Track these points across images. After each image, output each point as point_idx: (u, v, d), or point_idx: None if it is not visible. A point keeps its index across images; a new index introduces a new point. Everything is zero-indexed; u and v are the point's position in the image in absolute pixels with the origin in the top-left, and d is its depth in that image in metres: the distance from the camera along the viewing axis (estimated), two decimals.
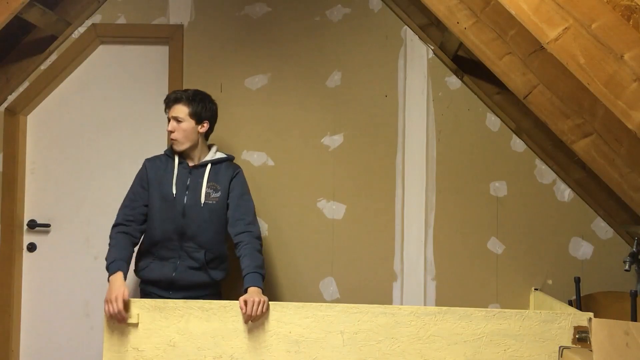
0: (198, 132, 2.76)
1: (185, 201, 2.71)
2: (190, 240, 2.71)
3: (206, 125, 2.78)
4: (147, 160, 2.83)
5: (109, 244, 2.66)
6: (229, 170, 2.80)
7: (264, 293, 2.45)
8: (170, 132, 2.73)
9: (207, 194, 2.72)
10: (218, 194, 2.74)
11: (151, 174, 2.77)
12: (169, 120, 2.76)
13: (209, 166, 2.77)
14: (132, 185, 2.80)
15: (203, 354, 2.34)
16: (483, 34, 2.54)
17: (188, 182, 2.74)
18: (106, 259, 2.58)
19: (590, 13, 1.73)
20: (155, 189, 2.74)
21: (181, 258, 2.71)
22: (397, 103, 3.24)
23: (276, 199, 3.25)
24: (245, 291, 2.44)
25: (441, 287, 3.20)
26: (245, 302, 2.33)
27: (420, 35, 3.23)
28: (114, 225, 2.71)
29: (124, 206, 2.76)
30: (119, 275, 2.47)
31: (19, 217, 3.36)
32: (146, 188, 2.75)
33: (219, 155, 2.84)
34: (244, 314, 2.33)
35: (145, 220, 2.75)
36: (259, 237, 2.69)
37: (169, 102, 2.76)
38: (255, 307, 2.32)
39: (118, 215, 2.74)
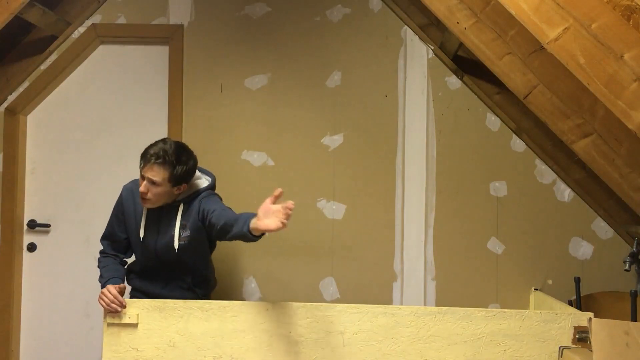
0: (174, 194, 2.51)
1: (156, 245, 2.57)
2: (174, 269, 2.65)
3: (183, 188, 2.52)
4: (124, 187, 2.67)
5: (99, 267, 2.61)
6: (196, 202, 2.55)
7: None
8: (142, 192, 2.44)
9: (179, 235, 2.53)
10: (188, 233, 2.54)
11: (126, 207, 2.62)
12: (142, 177, 2.45)
13: (181, 206, 2.55)
14: (112, 212, 2.68)
15: (203, 354, 2.34)
16: (483, 34, 2.54)
17: (159, 225, 2.57)
18: (100, 281, 2.55)
19: (590, 13, 1.73)
20: (131, 224, 2.61)
21: (169, 280, 2.67)
22: (397, 103, 3.24)
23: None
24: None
25: (441, 287, 3.20)
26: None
27: (420, 35, 3.23)
28: (101, 252, 2.68)
29: (105, 236, 2.68)
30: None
31: (19, 217, 3.36)
32: (122, 220, 2.64)
33: (195, 188, 2.58)
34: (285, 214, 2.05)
35: (129, 247, 2.68)
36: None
37: (148, 160, 2.43)
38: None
39: (102, 243, 2.68)
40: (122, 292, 2.37)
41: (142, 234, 2.57)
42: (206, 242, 2.66)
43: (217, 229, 2.40)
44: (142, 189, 2.44)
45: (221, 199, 2.62)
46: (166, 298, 2.59)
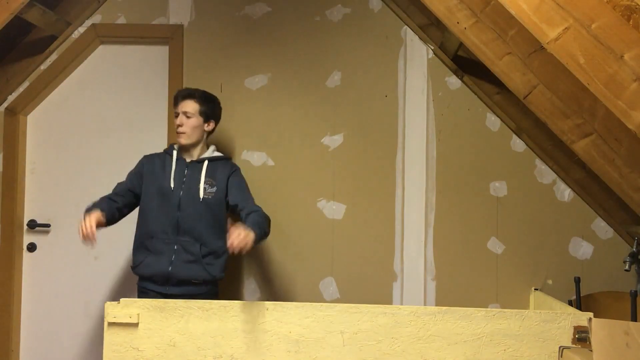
0: (204, 130, 2.87)
1: (181, 194, 2.77)
2: (185, 233, 2.74)
3: (212, 125, 2.89)
4: (145, 156, 2.93)
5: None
6: (225, 168, 2.87)
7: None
8: (178, 125, 2.82)
9: (204, 189, 2.78)
10: (214, 189, 2.80)
11: (146, 168, 2.86)
12: (176, 115, 2.84)
13: (206, 162, 2.84)
14: (129, 173, 2.90)
15: (203, 354, 2.34)
16: (483, 34, 2.54)
17: (185, 176, 2.81)
18: (86, 207, 2.71)
19: (590, 13, 1.73)
20: (151, 183, 2.82)
21: (176, 252, 2.74)
22: (397, 103, 3.24)
23: (276, 199, 3.25)
24: None
25: (441, 287, 3.20)
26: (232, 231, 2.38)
27: (420, 35, 3.23)
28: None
29: (115, 187, 2.87)
30: (95, 211, 2.60)
31: (19, 217, 3.37)
32: (138, 181, 2.85)
33: (217, 154, 2.91)
34: (229, 238, 2.37)
35: (132, 202, 2.83)
36: (265, 215, 2.72)
37: (180, 97, 2.85)
38: (239, 236, 2.35)
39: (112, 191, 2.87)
40: (99, 224, 2.55)
41: (172, 184, 2.77)
42: (224, 210, 2.84)
43: (230, 207, 2.81)
44: (178, 121, 2.82)
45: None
46: (173, 278, 2.72)
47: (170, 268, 2.72)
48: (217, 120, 2.93)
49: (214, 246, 2.79)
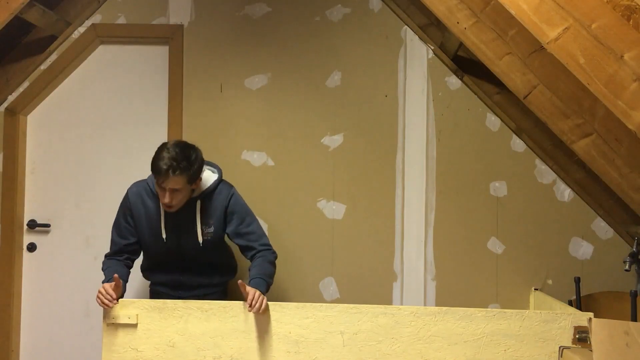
0: (191, 191, 2.58)
1: (179, 243, 2.63)
2: (193, 264, 2.71)
3: (198, 182, 2.58)
4: (130, 190, 2.68)
5: (103, 270, 2.61)
6: (219, 199, 2.65)
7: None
8: (167, 202, 2.48)
9: (201, 230, 2.62)
10: (211, 229, 2.63)
11: (135, 210, 2.63)
12: (162, 189, 2.47)
13: (198, 202, 2.62)
14: (117, 216, 2.69)
15: (202, 355, 2.34)
16: (483, 34, 2.54)
17: (180, 224, 2.62)
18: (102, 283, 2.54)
19: (590, 13, 1.73)
20: (144, 227, 2.63)
21: (191, 274, 2.73)
22: (397, 103, 3.24)
23: (276, 199, 3.25)
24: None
25: (441, 287, 3.20)
26: (248, 293, 2.34)
27: (420, 35, 3.23)
28: (106, 256, 2.68)
29: (112, 241, 2.68)
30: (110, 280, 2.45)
31: (19, 217, 3.36)
32: (131, 223, 2.65)
33: (207, 182, 2.65)
34: (246, 299, 2.33)
35: (136, 250, 2.69)
36: (273, 252, 2.69)
37: (165, 175, 2.42)
38: (257, 297, 2.31)
39: (110, 246, 2.69)
40: (118, 288, 2.37)
41: (164, 236, 2.60)
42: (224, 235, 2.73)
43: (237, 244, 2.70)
44: (166, 200, 2.47)
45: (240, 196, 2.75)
46: (186, 284, 2.70)
47: (182, 277, 2.72)
48: (201, 170, 2.57)
49: (223, 263, 2.83)
